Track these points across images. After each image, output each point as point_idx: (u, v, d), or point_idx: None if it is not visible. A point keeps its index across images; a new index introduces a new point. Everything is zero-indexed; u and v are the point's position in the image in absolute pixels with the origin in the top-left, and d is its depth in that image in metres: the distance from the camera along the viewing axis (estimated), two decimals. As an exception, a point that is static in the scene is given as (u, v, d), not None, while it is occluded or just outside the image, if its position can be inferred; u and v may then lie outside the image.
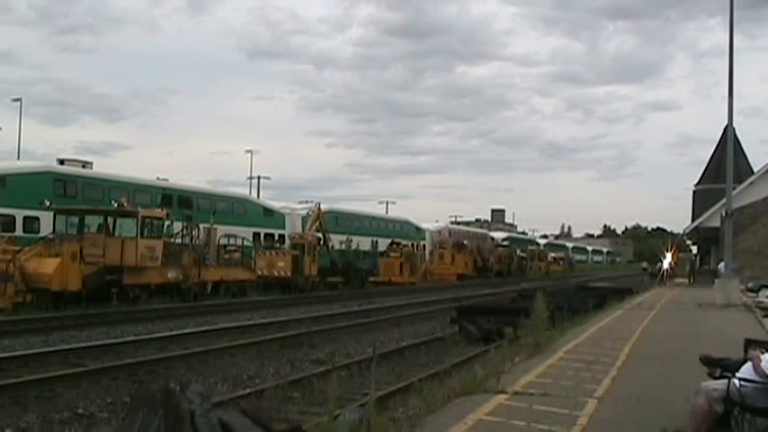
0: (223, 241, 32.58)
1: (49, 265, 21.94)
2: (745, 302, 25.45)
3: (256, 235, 39.78)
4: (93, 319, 20.40)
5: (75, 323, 19.30)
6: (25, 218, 27.94)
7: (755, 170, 44.30)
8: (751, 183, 40.68)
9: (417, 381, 11.08)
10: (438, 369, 12.97)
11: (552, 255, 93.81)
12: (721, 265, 44.79)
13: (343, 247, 47.51)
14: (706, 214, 42.41)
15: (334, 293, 35.58)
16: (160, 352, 15.00)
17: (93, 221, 25.73)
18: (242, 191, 57.88)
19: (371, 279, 44.06)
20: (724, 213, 31.03)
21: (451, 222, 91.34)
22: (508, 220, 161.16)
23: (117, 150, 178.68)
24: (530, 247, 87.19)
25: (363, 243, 51.72)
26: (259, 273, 33.22)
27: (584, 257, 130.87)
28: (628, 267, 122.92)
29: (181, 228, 28.53)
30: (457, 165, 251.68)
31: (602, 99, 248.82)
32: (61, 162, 32.05)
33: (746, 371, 6.22)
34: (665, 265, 50.63)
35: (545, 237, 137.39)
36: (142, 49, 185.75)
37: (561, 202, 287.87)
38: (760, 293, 29.07)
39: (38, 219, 27.71)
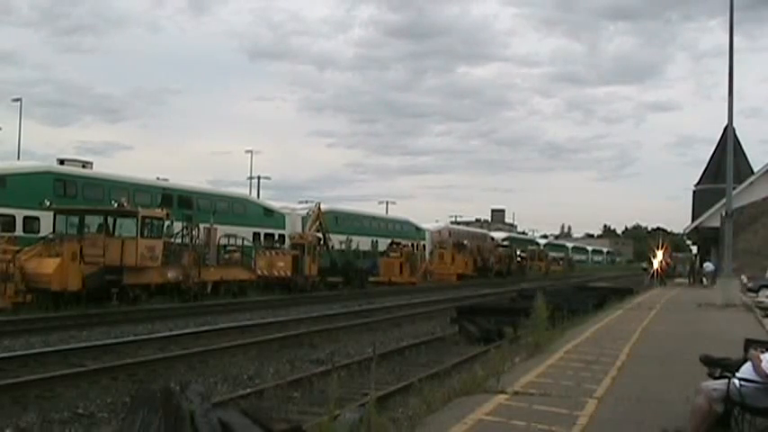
0: (223, 241, 32.57)
1: (49, 265, 21.94)
2: (745, 302, 25.44)
3: (256, 235, 39.80)
4: (93, 319, 20.40)
5: (75, 323, 19.29)
6: (25, 218, 27.95)
7: (755, 170, 44.26)
8: (751, 183, 40.65)
9: (417, 381, 11.07)
10: (438, 369, 12.96)
11: (552, 255, 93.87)
12: (706, 264, 45.42)
13: (343, 247, 47.52)
14: (706, 214, 42.39)
15: (334, 293, 35.57)
16: (160, 352, 14.99)
17: (93, 221, 25.70)
18: (242, 191, 57.99)
19: (371, 279, 44.05)
20: (724, 213, 31.01)
21: (451, 222, 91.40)
22: (508, 220, 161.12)
23: (118, 150, 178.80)
24: (530, 247, 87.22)
25: (363, 243, 51.73)
26: (259, 273, 33.23)
27: (584, 257, 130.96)
28: (628, 267, 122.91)
29: (181, 228, 28.53)
30: (457, 165, 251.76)
31: (602, 99, 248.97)
32: (61, 162, 32.06)
33: (746, 371, 6.22)
34: (656, 264, 50.26)
35: (545, 237, 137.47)
36: (144, 50, 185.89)
37: (561, 202, 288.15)
38: (760, 293, 29.07)
39: (38, 219, 27.72)
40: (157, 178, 37.82)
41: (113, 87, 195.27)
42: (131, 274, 24.26)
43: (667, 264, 54.22)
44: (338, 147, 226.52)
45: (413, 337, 18.69)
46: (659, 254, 50.25)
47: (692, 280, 47.42)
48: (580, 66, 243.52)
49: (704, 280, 43.78)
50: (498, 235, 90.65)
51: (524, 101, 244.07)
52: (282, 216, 44.29)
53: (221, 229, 32.61)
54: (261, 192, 71.41)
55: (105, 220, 25.55)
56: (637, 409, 7.87)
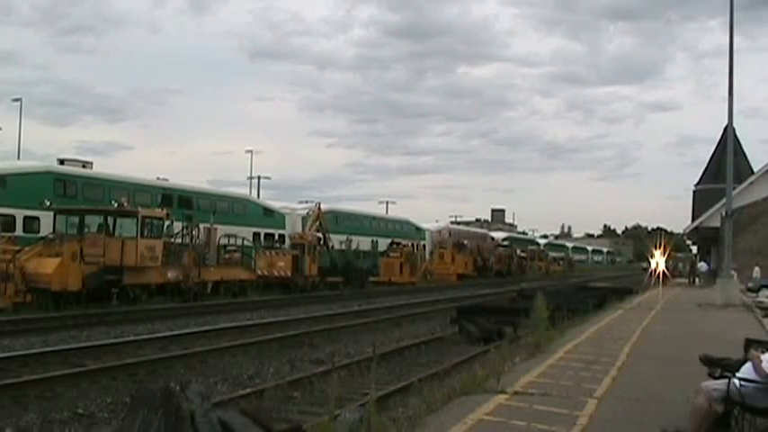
0: (223, 241, 32.57)
1: (49, 265, 21.94)
2: (744, 302, 25.44)
3: (256, 235, 39.79)
4: (93, 319, 20.39)
5: (75, 323, 19.29)
6: (25, 218, 27.93)
7: (755, 170, 44.29)
8: (751, 183, 40.67)
9: (417, 381, 11.07)
10: (438, 369, 12.96)
11: (552, 255, 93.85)
12: (700, 264, 45.67)
13: (344, 247, 47.51)
14: (706, 214, 42.40)
15: (334, 293, 35.56)
16: (160, 352, 14.99)
17: (93, 221, 25.72)
18: (243, 191, 57.97)
19: (371, 279, 44.05)
20: (724, 213, 31.02)
21: (451, 222, 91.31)
22: (508, 220, 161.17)
23: (118, 150, 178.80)
24: (530, 247, 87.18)
25: (363, 243, 51.71)
26: (259, 273, 33.22)
27: (584, 257, 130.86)
28: (628, 267, 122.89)
29: (181, 228, 28.53)
30: (457, 165, 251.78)
31: (602, 99, 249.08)
32: (61, 162, 32.05)
33: (746, 371, 6.22)
34: (653, 264, 49.65)
35: (545, 237, 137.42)
36: (144, 50, 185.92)
37: (561, 202, 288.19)
38: (760, 293, 29.08)
39: (38, 219, 27.72)
40: (157, 178, 37.81)
41: (114, 87, 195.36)
42: (131, 274, 24.26)
43: (667, 267, 53.97)
44: (338, 147, 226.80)
45: (413, 337, 18.68)
46: (657, 254, 50.01)
47: (691, 280, 47.47)
48: (580, 66, 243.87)
49: (698, 280, 43.97)
50: (498, 235, 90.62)
51: (524, 101, 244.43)
52: (282, 216, 44.28)
53: (221, 229, 32.60)
54: (261, 192, 71.42)
55: (105, 220, 25.55)
56: (637, 409, 7.87)
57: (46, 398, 10.46)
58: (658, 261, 40.81)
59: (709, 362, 7.09)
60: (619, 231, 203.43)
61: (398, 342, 17.70)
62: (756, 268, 33.64)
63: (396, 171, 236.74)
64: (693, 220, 46.80)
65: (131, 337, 16.94)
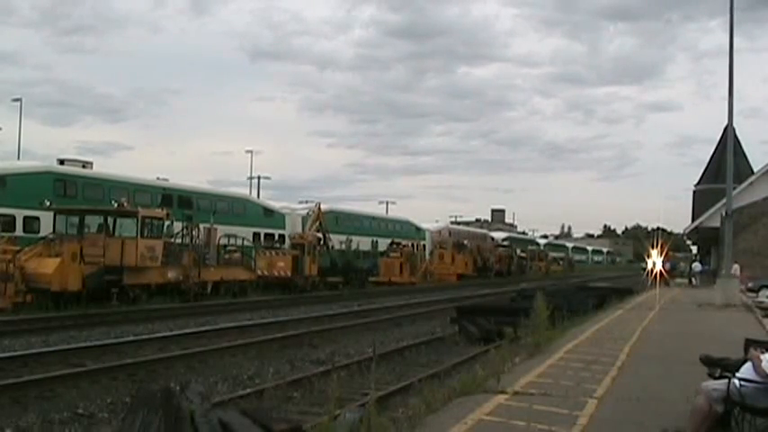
0: (223, 241, 32.58)
1: (49, 265, 21.94)
2: (744, 302, 25.44)
3: (256, 235, 39.80)
4: (93, 319, 20.40)
5: (75, 323, 19.30)
6: (25, 218, 27.94)
7: (755, 170, 44.32)
8: (751, 183, 40.71)
9: (417, 381, 11.09)
10: (438, 369, 12.97)
11: (552, 255, 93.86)
12: (695, 264, 45.83)
13: (344, 247, 47.51)
14: (706, 214, 42.41)
15: (334, 293, 35.57)
16: (160, 352, 14.99)
17: (93, 221, 25.71)
18: (242, 191, 57.96)
19: (371, 279, 44.05)
20: (724, 213, 31.02)
21: (451, 222, 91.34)
22: (508, 220, 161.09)
23: (119, 151, 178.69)
24: (530, 247, 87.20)
25: (363, 243, 51.72)
26: (259, 273, 33.23)
27: (584, 257, 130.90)
28: (628, 267, 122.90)
29: (181, 228, 28.53)
30: (458, 165, 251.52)
31: (602, 100, 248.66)
32: (61, 162, 32.05)
33: (746, 371, 6.22)
34: (650, 265, 49.24)
35: (545, 237, 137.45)
36: (145, 51, 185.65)
37: (561, 202, 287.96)
38: (760, 293, 29.08)
39: (38, 219, 27.71)
40: (157, 178, 37.81)
41: (114, 87, 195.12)
42: (131, 274, 24.25)
43: (666, 269, 53.81)
44: (338, 147, 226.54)
45: (413, 337, 18.69)
46: (654, 254, 49.81)
47: (690, 280, 47.51)
48: (580, 66, 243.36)
49: (693, 280, 44.04)
50: (498, 235, 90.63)
51: (525, 101, 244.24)
52: (282, 216, 44.29)
53: (221, 229, 32.61)
54: (261, 192, 71.42)
55: (105, 220, 25.55)
56: (637, 409, 7.87)
57: (46, 398, 10.46)
58: (655, 261, 40.65)
59: (709, 362, 7.09)
60: (619, 231, 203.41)
61: (398, 342, 17.70)
62: (735, 266, 33.50)
63: (396, 171, 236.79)
64: (693, 220, 46.81)
65: (131, 337, 16.94)
